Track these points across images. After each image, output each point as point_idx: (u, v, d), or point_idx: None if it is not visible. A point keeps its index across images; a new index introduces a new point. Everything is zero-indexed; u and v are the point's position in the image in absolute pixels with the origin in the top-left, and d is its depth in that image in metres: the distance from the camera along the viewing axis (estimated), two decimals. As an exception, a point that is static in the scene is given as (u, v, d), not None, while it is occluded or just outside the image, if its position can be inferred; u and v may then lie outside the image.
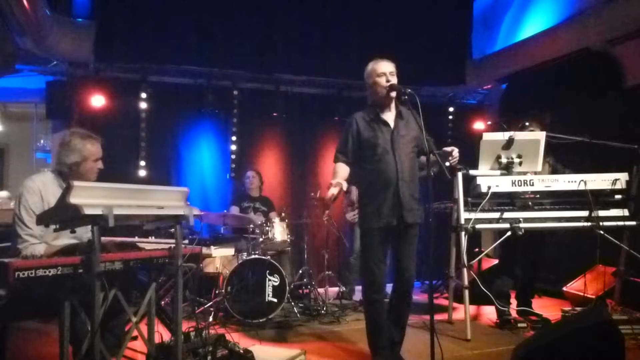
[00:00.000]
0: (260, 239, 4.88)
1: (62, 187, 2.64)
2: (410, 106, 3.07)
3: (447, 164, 3.09)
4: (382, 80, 3.11)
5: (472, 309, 4.27)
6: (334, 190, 2.93)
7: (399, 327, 3.23)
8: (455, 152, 3.09)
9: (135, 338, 2.74)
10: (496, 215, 3.97)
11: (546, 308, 4.78)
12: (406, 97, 3.02)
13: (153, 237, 4.12)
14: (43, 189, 2.63)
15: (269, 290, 4.54)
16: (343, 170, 3.20)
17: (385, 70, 3.11)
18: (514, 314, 4.30)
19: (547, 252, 4.54)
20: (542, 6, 6.26)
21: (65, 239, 2.63)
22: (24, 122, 6.37)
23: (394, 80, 3.12)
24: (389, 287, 3.36)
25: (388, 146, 3.13)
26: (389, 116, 3.20)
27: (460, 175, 3.94)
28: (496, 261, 5.42)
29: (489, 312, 4.62)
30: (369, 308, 3.23)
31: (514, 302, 4.43)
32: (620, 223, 3.94)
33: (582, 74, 5.63)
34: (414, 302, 3.35)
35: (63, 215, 2.09)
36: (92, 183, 2.23)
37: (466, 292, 3.89)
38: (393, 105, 3.22)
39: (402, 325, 3.24)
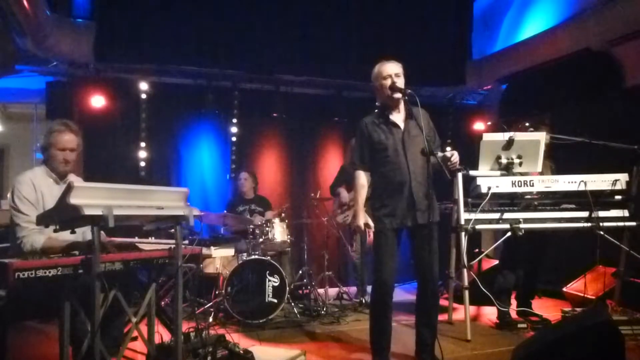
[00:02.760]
0: (260, 240, 4.88)
1: (50, 176, 2.83)
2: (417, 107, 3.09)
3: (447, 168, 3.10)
4: (387, 82, 3.13)
5: (472, 309, 4.27)
6: (370, 239, 3.07)
7: (429, 328, 3.14)
8: (455, 157, 3.10)
9: (135, 338, 2.75)
10: (496, 215, 3.96)
11: (546, 308, 4.78)
12: (406, 97, 3.03)
13: (153, 238, 4.12)
14: (34, 179, 2.76)
15: (269, 290, 4.54)
16: (363, 179, 3.25)
17: (390, 72, 3.13)
18: (513, 314, 4.30)
19: (548, 253, 4.53)
20: (542, 6, 6.26)
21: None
22: (24, 122, 6.37)
23: (399, 81, 3.13)
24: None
25: (399, 148, 3.13)
26: (398, 117, 3.21)
27: (460, 175, 3.93)
28: (496, 262, 5.42)
29: (489, 313, 4.62)
30: (376, 309, 3.22)
31: (513, 302, 4.43)
32: (620, 224, 3.94)
33: (582, 75, 5.63)
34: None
35: (63, 215, 2.09)
36: (92, 183, 2.23)
37: (466, 293, 3.88)
38: (402, 106, 3.22)
39: (432, 326, 3.14)
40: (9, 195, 2.83)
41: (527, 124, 4.37)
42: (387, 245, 3.13)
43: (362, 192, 3.24)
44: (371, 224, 3.18)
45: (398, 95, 3.12)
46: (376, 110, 3.31)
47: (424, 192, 3.12)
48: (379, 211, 3.18)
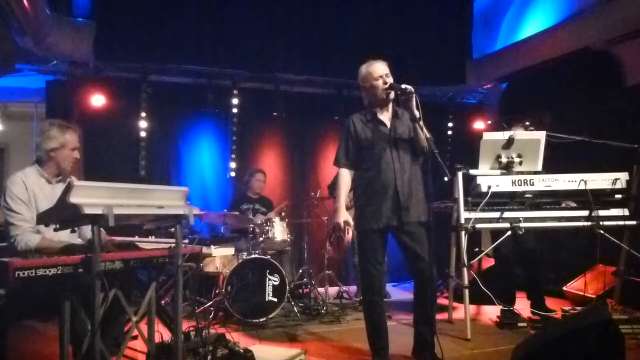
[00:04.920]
0: (260, 239, 4.88)
1: (42, 176, 2.85)
2: (411, 108, 3.07)
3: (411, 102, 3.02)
4: (380, 83, 3.12)
5: (472, 308, 4.27)
6: (348, 237, 3.09)
7: (428, 327, 3.10)
8: (409, 88, 3.03)
9: (135, 337, 2.75)
10: (496, 214, 3.97)
11: (546, 307, 4.78)
12: (404, 97, 3.03)
13: (153, 237, 4.12)
14: (25, 179, 2.79)
15: (269, 289, 4.54)
16: (346, 177, 3.25)
17: (381, 73, 3.12)
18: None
19: (546, 250, 4.52)
20: (542, 5, 6.26)
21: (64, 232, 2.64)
22: (24, 121, 6.36)
23: (390, 80, 3.12)
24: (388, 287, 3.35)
25: (386, 146, 3.13)
26: (386, 116, 3.21)
27: (460, 174, 3.94)
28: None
29: (489, 312, 4.62)
30: (369, 309, 3.22)
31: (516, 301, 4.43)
32: (621, 222, 3.94)
33: (583, 74, 5.63)
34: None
35: (63, 214, 2.09)
36: (92, 182, 2.22)
37: (466, 292, 3.89)
38: (390, 105, 3.22)
39: (430, 323, 3.10)
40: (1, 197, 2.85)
41: (527, 123, 4.37)
42: (373, 245, 3.13)
43: (344, 190, 3.24)
44: (351, 222, 3.17)
45: (393, 94, 3.11)
46: (364, 109, 3.29)
47: (410, 191, 3.11)
48: (363, 210, 3.17)
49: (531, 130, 4.27)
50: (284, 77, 6.37)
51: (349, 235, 3.21)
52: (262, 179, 5.72)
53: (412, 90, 3.01)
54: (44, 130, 2.91)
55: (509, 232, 3.91)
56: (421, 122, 3.01)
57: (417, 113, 3.00)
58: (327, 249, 5.47)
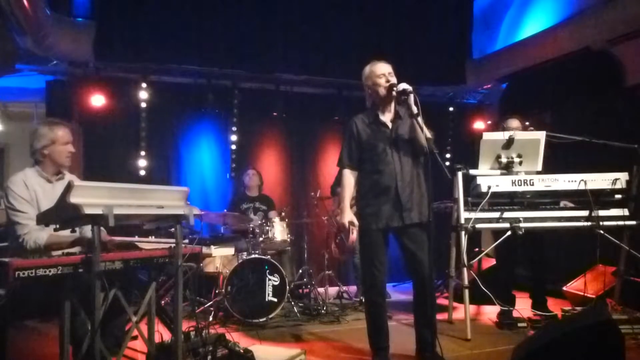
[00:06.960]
0: (260, 239, 4.88)
1: (42, 176, 2.82)
2: (409, 105, 3.08)
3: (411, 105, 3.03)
4: (382, 81, 3.13)
5: (472, 308, 4.26)
6: (352, 238, 3.12)
7: (427, 327, 3.11)
8: (411, 98, 3.03)
9: (135, 338, 2.75)
10: (496, 214, 3.96)
11: (546, 307, 4.78)
12: (405, 97, 3.03)
13: (153, 237, 4.12)
14: (26, 179, 2.77)
15: (269, 289, 4.54)
16: (350, 178, 3.25)
17: (384, 71, 3.13)
18: (515, 314, 4.29)
19: (547, 252, 4.51)
20: (542, 6, 6.26)
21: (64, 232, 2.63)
22: (24, 122, 6.36)
23: (393, 79, 3.13)
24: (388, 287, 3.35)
25: (387, 147, 3.14)
26: (388, 117, 3.22)
27: (460, 174, 3.94)
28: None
29: (489, 312, 4.62)
30: (370, 310, 3.23)
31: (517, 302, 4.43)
32: (620, 223, 3.94)
33: (583, 74, 5.63)
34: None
35: (63, 214, 2.09)
36: (92, 182, 2.22)
37: (466, 292, 3.88)
38: (392, 106, 3.22)
39: (429, 324, 3.09)
40: (2, 198, 2.83)
41: (527, 123, 4.37)
42: (374, 245, 3.14)
43: (348, 191, 3.24)
44: (356, 222, 3.18)
45: (395, 93, 3.12)
46: (367, 110, 3.30)
47: (411, 192, 3.12)
48: (364, 211, 3.19)
49: (531, 129, 4.27)
50: (284, 77, 6.36)
51: (354, 235, 3.21)
52: (253, 173, 5.75)
53: (411, 89, 3.02)
54: (32, 132, 2.88)
55: (508, 233, 3.91)
56: (420, 119, 3.02)
57: (414, 109, 3.01)
58: (333, 249, 5.47)
